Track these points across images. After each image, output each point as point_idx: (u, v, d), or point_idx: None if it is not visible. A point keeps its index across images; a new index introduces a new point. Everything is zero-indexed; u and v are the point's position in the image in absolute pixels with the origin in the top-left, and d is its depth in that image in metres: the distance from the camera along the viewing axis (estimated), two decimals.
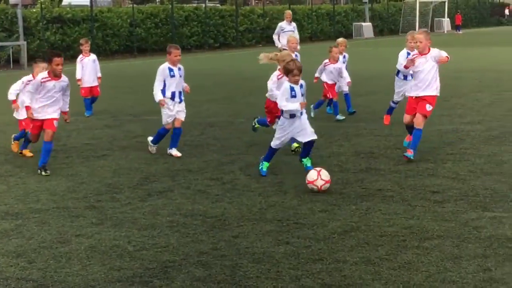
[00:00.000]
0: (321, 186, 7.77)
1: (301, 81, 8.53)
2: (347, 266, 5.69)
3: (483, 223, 6.76)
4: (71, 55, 31.39)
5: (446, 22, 59.58)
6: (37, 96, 9.17)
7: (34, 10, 35.24)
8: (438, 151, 10.47)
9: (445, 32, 58.66)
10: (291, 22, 21.52)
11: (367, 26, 52.36)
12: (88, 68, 14.83)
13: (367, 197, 8.04)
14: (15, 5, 32.01)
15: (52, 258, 6.05)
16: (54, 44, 33.51)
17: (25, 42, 31.59)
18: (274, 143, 8.71)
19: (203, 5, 46.67)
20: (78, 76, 14.75)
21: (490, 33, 59.75)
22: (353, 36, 51.96)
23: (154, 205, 7.98)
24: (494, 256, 5.76)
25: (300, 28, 46.24)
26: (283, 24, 21.26)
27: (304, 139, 8.51)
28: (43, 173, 9.12)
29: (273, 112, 9.85)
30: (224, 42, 43.17)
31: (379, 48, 41.45)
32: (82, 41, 15.73)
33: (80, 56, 15.04)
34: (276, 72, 9.72)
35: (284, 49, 20.43)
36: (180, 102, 10.24)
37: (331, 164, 9.61)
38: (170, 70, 10.10)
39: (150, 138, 10.50)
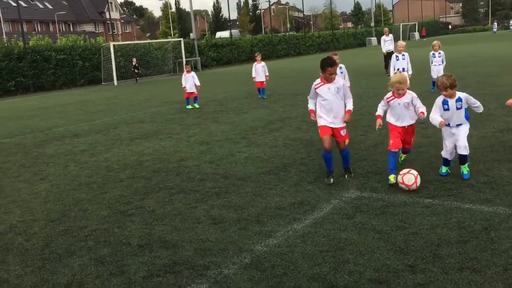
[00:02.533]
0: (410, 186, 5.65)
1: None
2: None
3: None
4: (222, 63, 42.98)
5: (416, 34, 71.87)
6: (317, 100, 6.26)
7: (202, 41, 44.75)
8: None
9: (416, 40, 69.37)
10: (388, 35, 21.46)
11: (374, 39, 64.05)
12: (259, 70, 16.31)
13: None
14: (193, 39, 41.58)
15: (227, 163, 7.79)
16: (214, 58, 42.60)
17: (199, 58, 40.11)
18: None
19: (288, 33, 64.92)
20: (253, 75, 16.42)
21: (442, 39, 64.34)
22: (366, 45, 64.88)
23: (275, 135, 9.74)
24: None
25: (337, 43, 59.19)
26: (384, 37, 21.49)
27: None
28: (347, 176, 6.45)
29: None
30: (298, 52, 53.00)
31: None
32: (256, 54, 16.98)
33: (255, 63, 16.54)
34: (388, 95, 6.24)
35: (388, 53, 20.73)
36: None
37: None
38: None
39: None
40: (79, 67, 31.99)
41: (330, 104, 6.10)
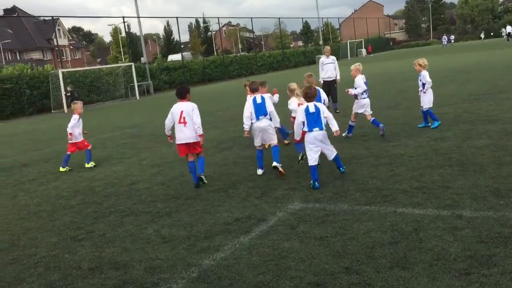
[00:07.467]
0: None
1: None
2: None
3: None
4: (174, 86, 39.94)
5: (363, 50, 75.24)
6: None
7: (154, 65, 44.55)
8: None
9: (363, 56, 71.13)
10: (329, 56, 15.55)
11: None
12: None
13: None
14: (145, 63, 41.14)
15: (178, 184, 7.93)
16: (166, 81, 42.28)
17: (151, 81, 39.65)
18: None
19: (239, 54, 64.50)
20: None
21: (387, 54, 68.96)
22: (316, 63, 68.64)
23: (225, 154, 9.92)
24: None
25: (287, 61, 59.28)
26: (322, 59, 15.64)
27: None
28: None
29: None
30: (250, 72, 53.32)
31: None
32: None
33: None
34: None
35: (326, 82, 15.16)
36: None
37: None
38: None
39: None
40: (27, 96, 31.26)
41: None
